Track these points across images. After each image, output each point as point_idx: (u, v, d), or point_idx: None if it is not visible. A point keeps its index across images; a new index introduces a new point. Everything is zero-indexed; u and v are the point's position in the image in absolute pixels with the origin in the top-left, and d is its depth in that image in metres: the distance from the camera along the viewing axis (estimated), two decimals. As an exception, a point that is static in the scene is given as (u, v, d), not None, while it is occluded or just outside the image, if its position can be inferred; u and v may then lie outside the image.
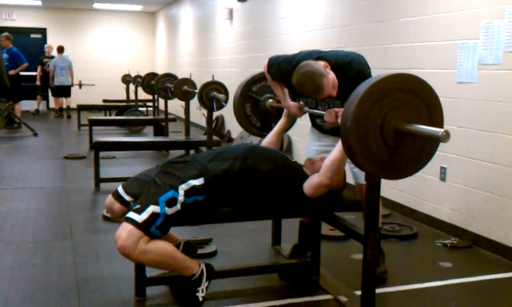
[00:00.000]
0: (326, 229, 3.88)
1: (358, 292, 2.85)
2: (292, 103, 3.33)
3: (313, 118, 3.36)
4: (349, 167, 3.29)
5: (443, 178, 4.34)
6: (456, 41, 4.14)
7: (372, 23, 5.16)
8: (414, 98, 2.36)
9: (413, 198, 4.71)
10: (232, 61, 9.53)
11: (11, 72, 11.22)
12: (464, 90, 4.09)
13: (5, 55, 11.19)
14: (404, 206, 4.82)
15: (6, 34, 11.39)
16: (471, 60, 4.01)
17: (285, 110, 3.40)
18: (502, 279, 3.45)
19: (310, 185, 2.83)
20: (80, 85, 13.11)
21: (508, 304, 3.10)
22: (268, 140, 3.35)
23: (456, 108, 4.16)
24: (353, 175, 3.31)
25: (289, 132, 6.79)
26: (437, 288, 3.26)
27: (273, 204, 2.91)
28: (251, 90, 3.74)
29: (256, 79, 3.77)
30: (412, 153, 2.43)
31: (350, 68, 2.95)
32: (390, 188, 4.88)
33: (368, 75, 2.89)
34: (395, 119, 2.31)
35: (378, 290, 2.82)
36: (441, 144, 4.32)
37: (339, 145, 2.72)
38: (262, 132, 3.75)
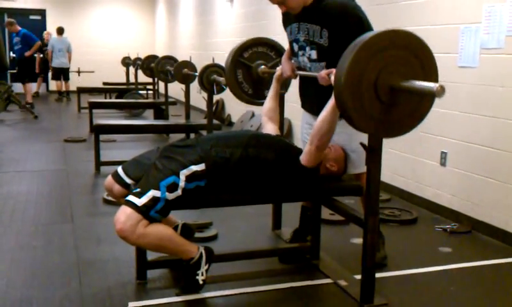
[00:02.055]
0: (326, 213, 3.88)
1: (358, 276, 2.87)
2: (286, 65, 3.30)
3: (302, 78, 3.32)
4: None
5: (443, 163, 4.34)
6: (458, 24, 4.12)
7: (374, 6, 5.12)
8: (409, 55, 2.34)
9: (413, 183, 4.72)
10: (232, 44, 9.39)
11: (27, 53, 11.38)
12: (466, 74, 4.07)
13: (17, 39, 11.27)
14: (404, 191, 4.82)
15: (8, 20, 11.52)
16: (473, 44, 3.99)
17: (275, 75, 3.38)
18: (501, 264, 3.46)
19: (303, 154, 2.84)
20: (79, 72, 13.09)
21: (507, 289, 3.12)
22: (267, 106, 3.35)
23: (457, 92, 4.14)
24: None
25: (290, 116, 6.78)
26: (436, 273, 3.27)
27: (274, 189, 2.91)
28: (243, 56, 3.68)
29: (248, 45, 3.71)
30: (407, 111, 2.41)
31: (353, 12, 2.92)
32: (390, 173, 4.89)
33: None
34: (389, 75, 2.30)
35: (378, 275, 2.84)
36: (442, 129, 4.33)
37: (328, 106, 2.70)
38: (254, 99, 3.71)
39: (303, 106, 3.39)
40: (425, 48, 2.40)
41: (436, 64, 2.43)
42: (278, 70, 3.37)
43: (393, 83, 2.30)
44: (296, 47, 3.17)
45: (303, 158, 2.84)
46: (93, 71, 13.47)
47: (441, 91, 2.12)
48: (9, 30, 11.48)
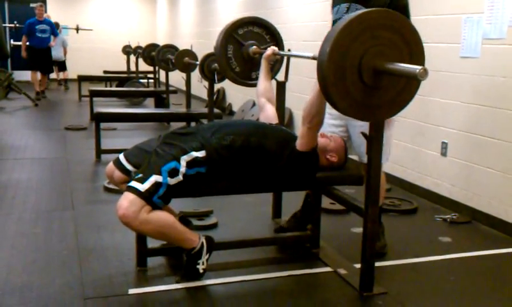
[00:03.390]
0: (326, 202, 3.89)
1: (358, 265, 2.87)
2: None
3: None
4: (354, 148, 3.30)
5: (444, 153, 4.34)
6: (460, 15, 4.10)
7: (375, -4, 5.10)
8: (396, 37, 2.29)
9: (414, 173, 4.72)
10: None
11: (52, 43, 10.86)
12: (468, 65, 4.06)
13: (43, 27, 10.61)
14: (404, 180, 4.82)
15: (41, 4, 10.97)
16: (475, 34, 3.97)
17: (264, 54, 3.41)
18: (501, 254, 3.47)
19: (298, 138, 2.83)
20: (77, 29, 13.00)
21: (507, 279, 3.13)
22: (262, 87, 3.37)
23: (459, 83, 4.14)
24: (359, 156, 3.31)
25: (290, 106, 6.78)
26: (436, 262, 3.28)
27: (274, 178, 2.92)
28: (237, 32, 3.64)
29: (244, 22, 3.68)
30: (390, 95, 2.36)
31: None
32: (390, 163, 4.87)
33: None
34: (374, 57, 2.24)
35: (377, 264, 2.85)
36: (443, 119, 4.33)
37: (316, 87, 2.63)
38: (239, 78, 3.68)
39: None
40: (415, 33, 2.35)
41: (423, 48, 2.38)
42: (269, 49, 3.41)
43: (377, 65, 2.24)
44: None
45: (298, 142, 2.83)
46: (91, 29, 13.37)
47: (424, 73, 2.08)
48: (38, 15, 10.55)
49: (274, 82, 3.62)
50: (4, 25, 9.33)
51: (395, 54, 2.28)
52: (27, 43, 10.64)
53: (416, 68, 2.10)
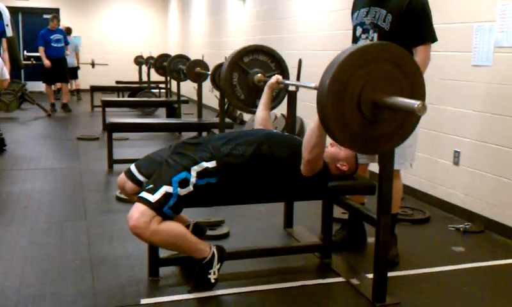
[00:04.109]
0: (338, 212, 3.87)
1: (370, 275, 2.86)
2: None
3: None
4: None
5: (456, 162, 4.31)
6: (472, 23, 4.09)
7: (386, 5, 5.11)
8: (397, 71, 2.26)
9: (426, 182, 4.69)
10: (244, 43, 9.44)
11: (67, 52, 10.88)
12: (480, 73, 4.04)
13: (59, 36, 10.55)
14: (416, 190, 4.80)
15: (54, 15, 11.02)
16: (487, 42, 3.96)
17: (269, 82, 3.42)
18: (514, 264, 3.44)
19: (302, 164, 2.82)
20: (93, 64, 13.10)
21: (521, 289, 3.09)
22: (261, 115, 3.39)
23: (471, 91, 4.11)
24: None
25: (302, 115, 6.78)
26: (449, 272, 3.25)
27: (286, 188, 2.91)
28: (242, 60, 3.68)
29: (249, 50, 3.72)
30: (388, 129, 2.33)
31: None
32: (403, 173, 4.85)
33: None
34: (373, 90, 2.22)
35: (390, 274, 2.83)
36: (455, 128, 4.30)
37: (316, 118, 2.62)
38: (244, 105, 3.73)
39: None
40: (414, 66, 2.33)
41: (423, 81, 2.34)
42: (273, 78, 3.42)
43: (376, 98, 2.22)
44: (359, 30, 3.26)
45: (302, 168, 2.82)
46: (106, 64, 13.48)
47: (423, 108, 2.05)
48: (51, 25, 10.49)
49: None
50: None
51: (395, 87, 2.25)
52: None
53: (415, 103, 2.07)
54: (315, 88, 2.72)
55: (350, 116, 2.23)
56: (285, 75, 3.72)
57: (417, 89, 2.31)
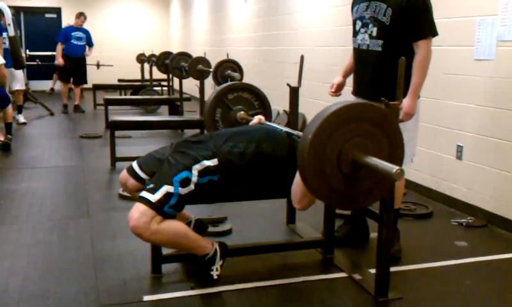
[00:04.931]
0: (340, 207, 3.87)
1: (373, 270, 2.85)
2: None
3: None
4: None
5: (459, 156, 4.30)
6: (474, 17, 4.08)
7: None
8: (378, 131, 2.29)
9: (429, 177, 4.68)
10: (246, 39, 9.48)
11: (87, 53, 10.41)
12: (482, 67, 4.03)
13: (81, 34, 10.21)
14: (419, 185, 4.79)
15: (81, 12, 10.54)
16: (489, 36, 3.94)
17: (252, 122, 3.36)
18: (518, 258, 3.43)
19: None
20: (98, 65, 13.11)
21: (524, 283, 3.09)
22: None
23: (474, 86, 4.10)
24: None
25: (304, 111, 6.76)
26: (452, 266, 3.25)
27: (287, 184, 2.90)
28: (227, 97, 3.70)
29: (234, 88, 3.75)
30: (365, 187, 2.36)
31: None
32: (405, 167, 4.85)
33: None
34: (353, 148, 2.25)
35: (393, 269, 2.83)
36: (458, 122, 4.29)
37: None
38: None
39: (357, 93, 3.40)
40: (395, 128, 2.36)
41: (403, 144, 2.38)
42: (255, 118, 3.37)
43: (356, 156, 2.25)
44: (359, 24, 3.26)
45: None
46: (111, 65, 13.49)
47: (400, 174, 2.07)
48: (76, 23, 10.13)
49: (287, 89, 3.63)
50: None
51: (375, 147, 2.29)
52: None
53: (393, 168, 2.09)
54: (298, 137, 2.75)
55: (329, 172, 2.26)
56: (268, 114, 3.73)
57: (397, 151, 2.35)
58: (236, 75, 5.52)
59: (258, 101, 3.77)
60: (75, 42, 10.15)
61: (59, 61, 10.09)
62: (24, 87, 7.63)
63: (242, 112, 3.66)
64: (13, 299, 2.72)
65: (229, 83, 3.79)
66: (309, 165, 2.23)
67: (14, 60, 6.77)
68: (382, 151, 2.30)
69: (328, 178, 2.26)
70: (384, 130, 2.32)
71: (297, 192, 2.69)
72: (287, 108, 3.68)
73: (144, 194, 2.63)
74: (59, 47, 10.10)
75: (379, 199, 2.51)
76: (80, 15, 10.31)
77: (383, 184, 2.40)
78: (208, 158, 2.71)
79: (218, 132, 3.07)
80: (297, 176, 2.64)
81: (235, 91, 3.73)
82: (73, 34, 10.13)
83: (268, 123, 3.40)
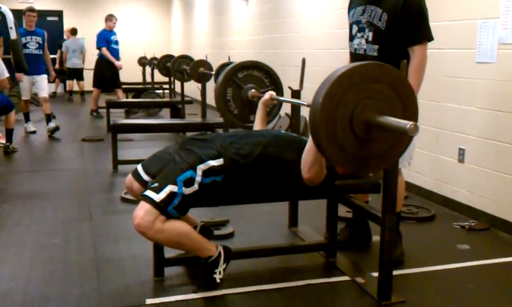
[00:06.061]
0: (342, 211, 3.87)
1: (375, 274, 2.85)
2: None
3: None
4: None
5: (461, 159, 4.30)
6: (476, 20, 4.08)
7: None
8: (390, 91, 2.26)
9: (431, 180, 4.68)
10: (248, 42, 9.49)
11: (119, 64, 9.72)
12: (484, 70, 4.03)
13: (117, 38, 9.79)
14: (421, 188, 4.79)
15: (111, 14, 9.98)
16: (491, 39, 3.95)
17: (262, 98, 3.41)
18: (520, 261, 3.43)
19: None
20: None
21: (527, 286, 3.09)
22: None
23: (475, 88, 4.10)
24: None
25: (306, 114, 6.77)
26: (455, 270, 3.25)
27: (291, 187, 2.90)
28: (236, 76, 3.68)
29: (244, 66, 3.73)
30: (380, 149, 2.32)
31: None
32: (407, 170, 4.84)
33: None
34: (366, 109, 2.22)
35: (395, 272, 2.83)
36: (460, 125, 4.29)
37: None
38: (237, 120, 3.72)
39: None
40: (407, 86, 2.32)
41: (416, 101, 2.35)
42: (267, 94, 3.40)
43: (368, 117, 2.21)
44: (355, 28, 3.26)
45: (304, 179, 2.78)
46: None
47: (415, 129, 2.04)
48: (109, 25, 9.66)
49: (288, 91, 3.63)
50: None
51: (388, 107, 2.25)
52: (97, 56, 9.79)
53: (407, 123, 2.06)
54: (308, 105, 2.72)
55: (342, 135, 2.23)
56: (279, 91, 3.73)
57: (410, 110, 2.32)
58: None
59: (268, 78, 3.76)
60: (115, 46, 9.70)
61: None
62: (47, 94, 7.58)
63: (253, 90, 3.65)
64: (16, 302, 2.72)
65: (238, 62, 3.75)
66: (322, 130, 2.19)
67: (15, 64, 6.77)
68: (395, 112, 2.25)
69: (341, 141, 2.23)
70: (397, 91, 2.28)
71: (307, 159, 2.66)
72: (288, 111, 3.68)
73: (148, 193, 2.63)
74: (106, 51, 9.52)
75: (395, 161, 2.44)
76: (112, 17, 9.84)
77: (398, 145, 2.37)
78: (214, 158, 2.71)
79: (225, 133, 3.07)
80: (309, 143, 2.65)
81: (244, 69, 3.71)
82: (112, 37, 9.69)
83: (279, 97, 3.42)
